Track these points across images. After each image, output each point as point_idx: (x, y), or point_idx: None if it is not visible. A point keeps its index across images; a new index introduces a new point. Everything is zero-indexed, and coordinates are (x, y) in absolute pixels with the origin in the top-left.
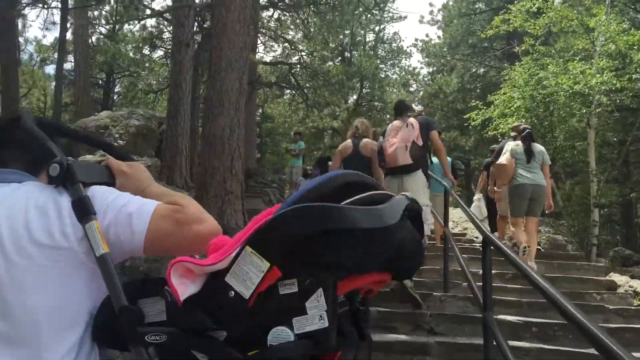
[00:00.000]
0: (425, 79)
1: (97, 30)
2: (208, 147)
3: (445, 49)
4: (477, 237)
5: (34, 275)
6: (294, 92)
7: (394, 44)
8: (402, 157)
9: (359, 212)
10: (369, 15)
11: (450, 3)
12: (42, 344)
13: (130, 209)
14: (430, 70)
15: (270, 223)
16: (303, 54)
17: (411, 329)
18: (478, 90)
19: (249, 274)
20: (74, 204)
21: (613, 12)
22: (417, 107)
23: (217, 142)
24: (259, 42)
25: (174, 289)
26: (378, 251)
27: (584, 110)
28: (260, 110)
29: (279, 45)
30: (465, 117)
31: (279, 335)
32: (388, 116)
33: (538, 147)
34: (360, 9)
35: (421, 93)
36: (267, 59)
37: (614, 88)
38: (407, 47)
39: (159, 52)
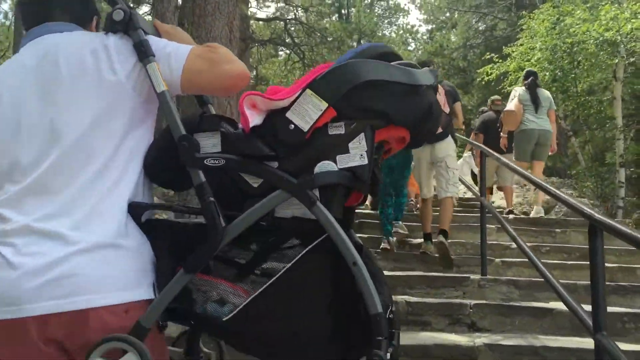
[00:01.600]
0: (424, 37)
1: None
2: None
3: (445, 2)
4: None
5: (86, 102)
6: (289, 50)
7: (390, 1)
8: None
9: (399, 69)
10: None
11: None
12: (91, 164)
13: (169, 49)
14: (429, 28)
15: (328, 73)
16: (299, 9)
17: (448, 324)
18: (482, 47)
19: (309, 112)
20: (136, 46)
21: None
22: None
23: None
24: None
25: (245, 116)
26: (415, 106)
27: (616, 60)
28: (254, 72)
29: (272, 1)
30: (469, 73)
31: (326, 167)
32: None
33: (544, 92)
34: None
35: (420, 52)
36: (261, 15)
37: None
38: (405, 4)
39: (145, 8)
